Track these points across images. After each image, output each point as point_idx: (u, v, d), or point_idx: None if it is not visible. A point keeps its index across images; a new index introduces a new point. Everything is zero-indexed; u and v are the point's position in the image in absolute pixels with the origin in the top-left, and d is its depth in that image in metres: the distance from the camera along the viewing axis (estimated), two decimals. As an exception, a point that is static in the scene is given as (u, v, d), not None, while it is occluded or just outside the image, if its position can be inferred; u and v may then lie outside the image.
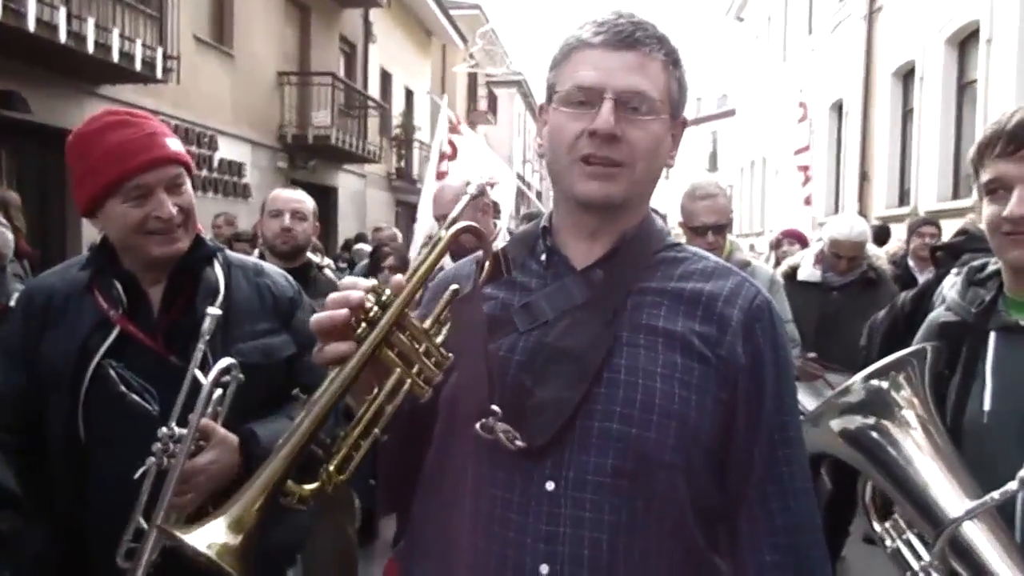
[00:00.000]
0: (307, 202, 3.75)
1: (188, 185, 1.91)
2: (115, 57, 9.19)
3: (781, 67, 19.81)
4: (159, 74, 10.13)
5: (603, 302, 1.25)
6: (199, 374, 1.77)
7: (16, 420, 1.88)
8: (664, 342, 1.22)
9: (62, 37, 8.35)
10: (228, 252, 2.09)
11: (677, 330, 1.23)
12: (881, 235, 8.27)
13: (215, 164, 13.05)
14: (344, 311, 1.09)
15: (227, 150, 13.42)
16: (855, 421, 1.49)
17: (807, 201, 9.20)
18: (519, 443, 1.15)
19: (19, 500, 1.82)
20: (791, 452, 1.26)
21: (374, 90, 19.55)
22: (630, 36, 1.24)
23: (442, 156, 7.16)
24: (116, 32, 9.22)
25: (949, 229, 5.21)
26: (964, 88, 11.07)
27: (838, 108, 15.92)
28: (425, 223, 6.34)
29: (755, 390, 1.24)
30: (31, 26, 7.90)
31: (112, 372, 1.82)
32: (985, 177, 1.56)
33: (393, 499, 1.38)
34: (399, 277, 1.14)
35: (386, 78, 21.00)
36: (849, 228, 4.36)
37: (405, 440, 1.26)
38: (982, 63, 10.02)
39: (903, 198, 13.05)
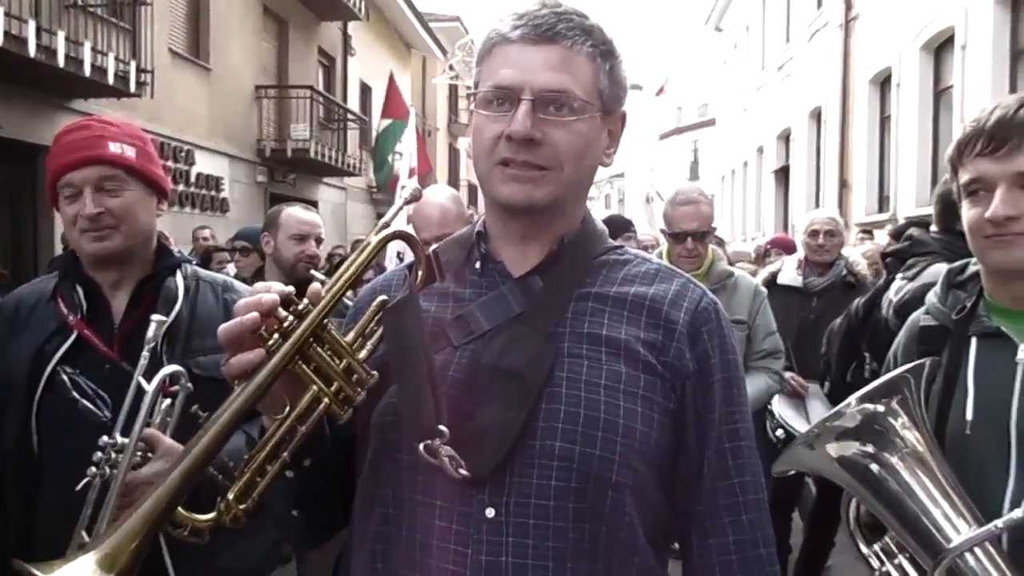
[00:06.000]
0: (322, 224, 3.72)
1: (129, 188, 1.89)
2: (87, 71, 9.06)
3: (760, 75, 19.91)
4: (132, 88, 10.00)
5: (543, 313, 1.17)
6: (143, 381, 1.71)
7: None
8: (608, 351, 1.14)
9: (31, 51, 8.22)
10: (198, 268, 2.07)
11: (621, 338, 1.15)
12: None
13: (192, 178, 12.90)
14: (254, 315, 0.99)
15: (204, 164, 13.27)
16: (851, 447, 1.41)
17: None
18: (463, 471, 1.06)
19: None
20: (743, 463, 1.18)
21: (353, 103, 19.47)
22: (551, 29, 1.13)
23: (411, 172, 7.00)
24: (88, 45, 9.10)
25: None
26: (940, 94, 11.12)
27: (816, 116, 15.99)
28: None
29: (703, 397, 1.17)
30: (-1, 40, 7.78)
31: (65, 377, 1.80)
32: (965, 177, 1.49)
33: (318, 533, 1.27)
34: (316, 285, 1.04)
35: (365, 91, 20.93)
36: (818, 210, 5.14)
37: (331, 467, 1.17)
38: (957, 69, 10.06)
39: (883, 204, 13.09)
